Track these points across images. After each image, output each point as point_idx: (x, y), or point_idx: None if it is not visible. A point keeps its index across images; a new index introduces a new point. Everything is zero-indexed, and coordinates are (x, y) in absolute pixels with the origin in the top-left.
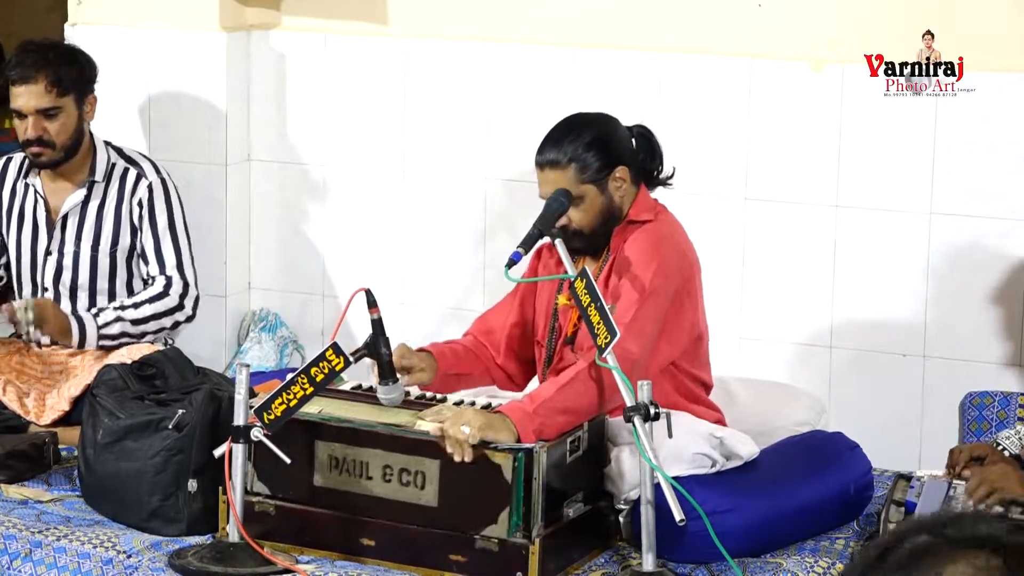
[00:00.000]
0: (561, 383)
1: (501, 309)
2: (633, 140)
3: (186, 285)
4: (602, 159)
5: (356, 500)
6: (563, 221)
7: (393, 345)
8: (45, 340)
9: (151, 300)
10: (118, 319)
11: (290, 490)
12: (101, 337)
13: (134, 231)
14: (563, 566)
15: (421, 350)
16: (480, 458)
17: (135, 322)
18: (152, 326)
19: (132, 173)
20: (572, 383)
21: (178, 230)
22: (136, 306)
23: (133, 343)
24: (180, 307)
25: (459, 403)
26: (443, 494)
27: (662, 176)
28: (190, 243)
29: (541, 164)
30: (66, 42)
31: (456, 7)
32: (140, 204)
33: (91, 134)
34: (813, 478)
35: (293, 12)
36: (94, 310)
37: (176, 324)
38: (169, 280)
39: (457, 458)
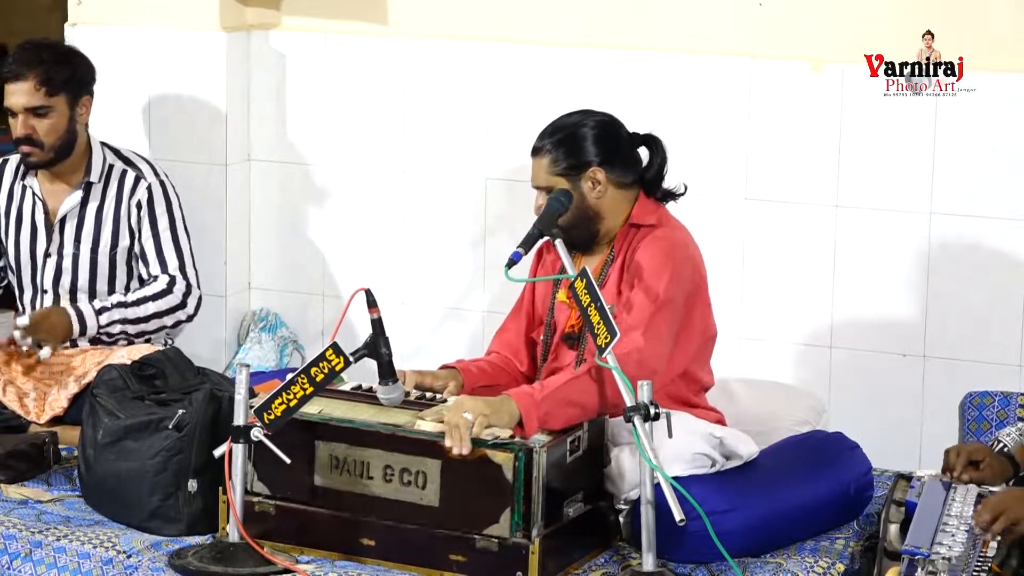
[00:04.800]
0: (573, 376)
1: (513, 319)
2: (636, 146)
3: (189, 285)
4: (578, 156)
5: (356, 500)
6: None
7: (393, 345)
8: (48, 353)
9: (153, 298)
10: (122, 319)
11: (290, 490)
12: (100, 334)
13: (132, 233)
14: (563, 566)
15: (446, 367)
16: (481, 458)
17: (136, 320)
18: (153, 324)
19: (131, 175)
20: (584, 377)
21: (179, 231)
22: (138, 303)
23: (131, 340)
24: (183, 305)
25: None
26: (444, 494)
27: (666, 187)
28: (191, 243)
29: (531, 151)
30: (66, 43)
31: (456, 7)
32: (139, 206)
33: (88, 135)
34: (813, 478)
35: (293, 12)
36: (97, 304)
37: (177, 323)
38: (173, 279)
39: (456, 451)
